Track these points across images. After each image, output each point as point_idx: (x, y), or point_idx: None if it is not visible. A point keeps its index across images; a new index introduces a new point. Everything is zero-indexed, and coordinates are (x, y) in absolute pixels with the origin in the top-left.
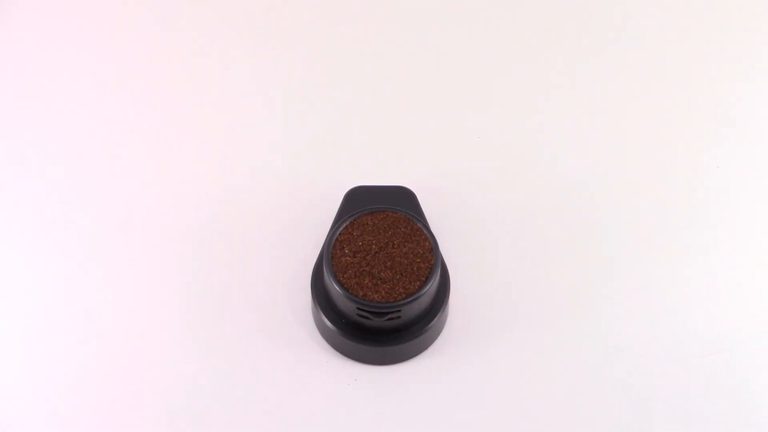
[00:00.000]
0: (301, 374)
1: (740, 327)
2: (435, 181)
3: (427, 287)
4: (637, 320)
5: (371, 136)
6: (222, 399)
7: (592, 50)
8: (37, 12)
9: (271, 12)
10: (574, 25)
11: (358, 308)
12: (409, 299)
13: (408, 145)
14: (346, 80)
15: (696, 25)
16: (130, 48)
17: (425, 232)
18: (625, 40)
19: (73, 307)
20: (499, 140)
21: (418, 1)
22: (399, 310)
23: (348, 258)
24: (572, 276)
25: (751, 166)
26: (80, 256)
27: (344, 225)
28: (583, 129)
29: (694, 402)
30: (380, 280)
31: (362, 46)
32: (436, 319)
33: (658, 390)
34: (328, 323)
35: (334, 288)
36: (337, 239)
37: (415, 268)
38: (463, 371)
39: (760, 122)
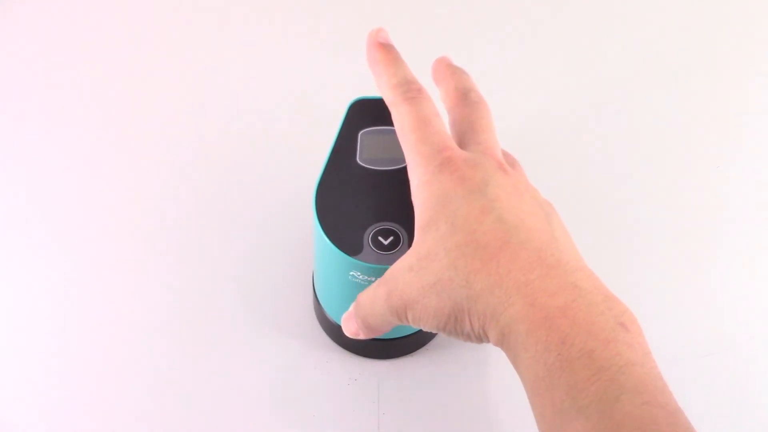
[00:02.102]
0: (301, 373)
1: (740, 327)
2: None
3: None
4: (638, 319)
5: None
6: (222, 397)
7: (593, 50)
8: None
9: None
10: (575, 23)
11: None
12: None
13: None
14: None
15: (697, 25)
16: (123, 47)
17: None
18: (626, 41)
19: (71, 308)
20: (502, 142)
21: None
22: None
23: None
24: None
25: (751, 166)
26: (78, 257)
27: None
28: (583, 129)
29: (694, 402)
30: None
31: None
32: None
33: None
34: (331, 317)
35: None
36: None
37: None
38: (464, 367)
39: (760, 122)
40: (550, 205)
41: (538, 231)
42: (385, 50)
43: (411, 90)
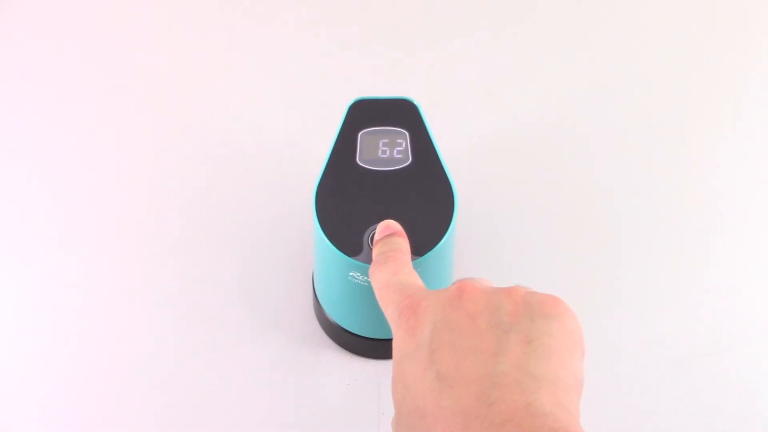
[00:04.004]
0: (301, 373)
1: (740, 327)
2: None
3: None
4: (638, 320)
5: None
6: (222, 397)
7: (592, 49)
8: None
9: None
10: (573, 22)
11: None
12: None
13: None
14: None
15: (696, 24)
16: (119, 45)
17: None
18: (626, 39)
19: (71, 309)
20: (503, 142)
21: None
22: None
23: None
24: (574, 275)
25: (751, 166)
26: (80, 257)
27: None
28: (584, 130)
29: (694, 402)
30: None
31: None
32: None
33: (658, 390)
34: (330, 317)
35: None
36: None
37: None
38: None
39: (760, 122)
40: (524, 307)
41: (471, 382)
42: (375, 241)
43: (378, 260)
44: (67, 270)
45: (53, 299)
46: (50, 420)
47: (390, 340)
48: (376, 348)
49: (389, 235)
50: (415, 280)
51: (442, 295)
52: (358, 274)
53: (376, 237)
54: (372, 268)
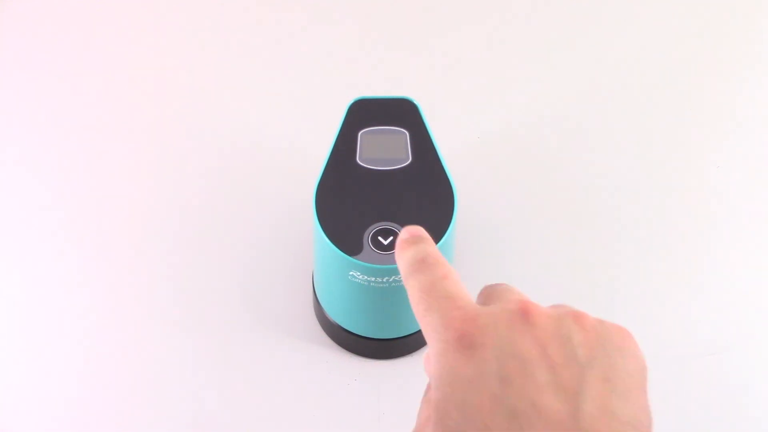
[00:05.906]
0: (301, 373)
1: (740, 327)
2: None
3: None
4: (637, 320)
5: None
6: (222, 397)
7: (591, 49)
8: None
9: None
10: (573, 22)
11: None
12: None
13: None
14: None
15: (696, 24)
16: (117, 45)
17: None
18: (626, 39)
19: (71, 308)
20: (503, 142)
21: None
22: None
23: None
24: (574, 274)
25: (751, 166)
26: (80, 256)
27: None
28: (584, 130)
29: (694, 402)
30: None
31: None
32: None
33: (658, 390)
34: (330, 317)
35: None
36: None
37: None
38: None
39: (759, 122)
40: (597, 340)
41: (553, 423)
42: (402, 241)
43: (415, 263)
44: (67, 270)
45: (53, 301)
46: (50, 420)
47: (390, 340)
48: (376, 348)
49: (423, 239)
50: (465, 290)
51: (500, 314)
52: (358, 274)
53: (404, 237)
54: (412, 268)
